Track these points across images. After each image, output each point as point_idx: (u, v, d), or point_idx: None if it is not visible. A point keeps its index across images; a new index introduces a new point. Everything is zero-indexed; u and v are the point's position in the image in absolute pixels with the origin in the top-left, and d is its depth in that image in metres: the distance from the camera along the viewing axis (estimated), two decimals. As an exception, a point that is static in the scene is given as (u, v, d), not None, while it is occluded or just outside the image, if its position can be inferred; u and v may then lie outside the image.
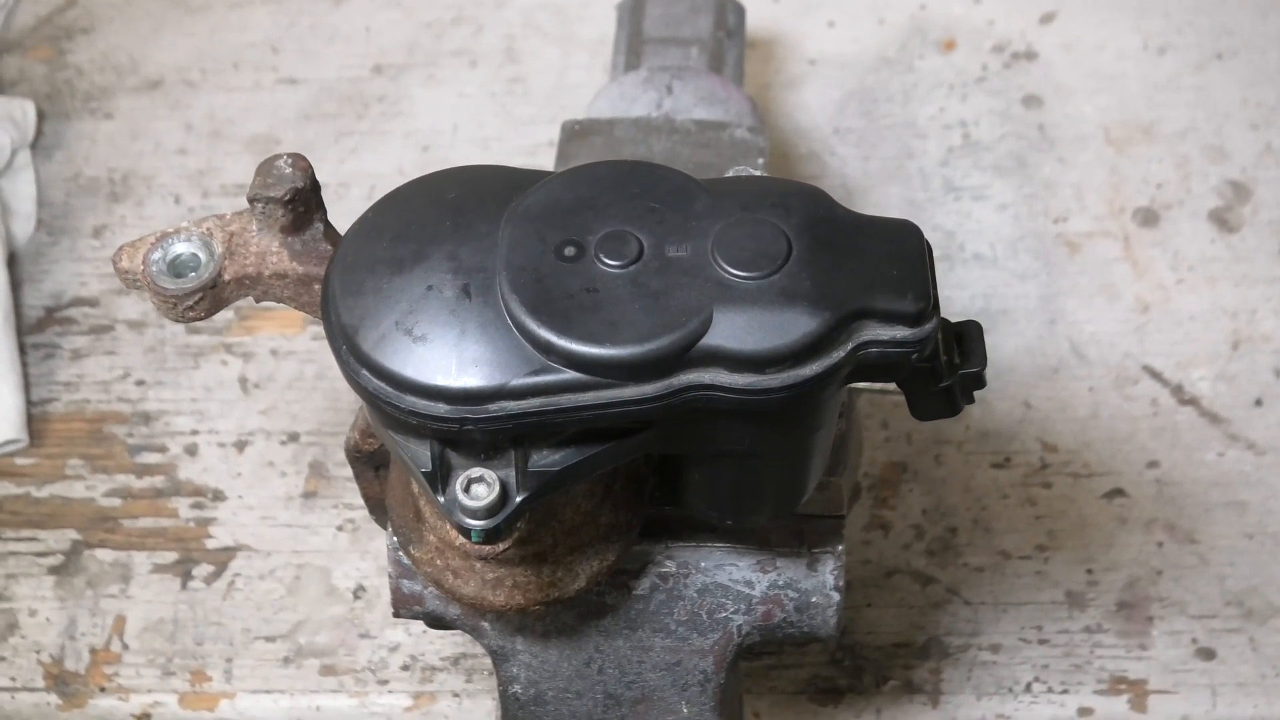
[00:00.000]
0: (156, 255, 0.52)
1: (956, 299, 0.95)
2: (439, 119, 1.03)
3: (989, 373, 0.90)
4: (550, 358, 0.42)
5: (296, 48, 1.08)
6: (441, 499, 0.44)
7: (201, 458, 0.88)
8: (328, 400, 0.90)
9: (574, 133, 0.72)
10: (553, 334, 0.42)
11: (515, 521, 0.44)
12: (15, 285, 0.94)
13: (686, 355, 0.42)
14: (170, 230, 0.53)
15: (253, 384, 0.90)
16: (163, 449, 0.88)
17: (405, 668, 0.80)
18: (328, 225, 0.53)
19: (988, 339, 0.92)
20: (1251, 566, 0.83)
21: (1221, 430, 0.88)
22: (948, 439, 0.87)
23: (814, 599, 0.57)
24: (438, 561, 0.52)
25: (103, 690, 0.80)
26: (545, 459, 0.44)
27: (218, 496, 0.86)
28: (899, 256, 0.44)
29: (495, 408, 0.42)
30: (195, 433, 0.88)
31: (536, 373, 0.42)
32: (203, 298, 0.52)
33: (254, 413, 0.89)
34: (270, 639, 0.81)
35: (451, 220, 0.44)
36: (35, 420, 0.89)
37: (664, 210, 0.44)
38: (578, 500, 0.51)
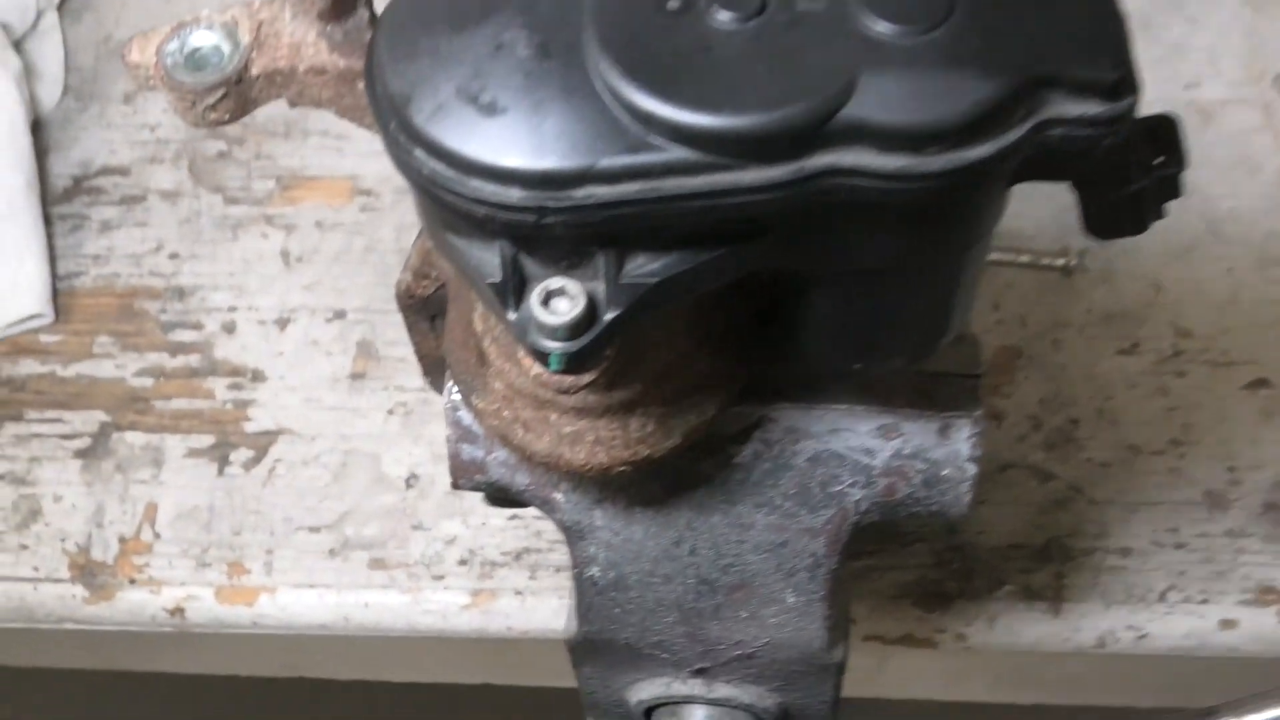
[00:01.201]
0: (173, 46, 0.43)
1: (1075, 170, 0.85)
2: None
3: (1117, 249, 0.81)
4: (651, 131, 0.33)
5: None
6: (513, 316, 0.35)
7: (240, 335, 0.80)
8: (377, 275, 0.81)
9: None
10: (655, 100, 0.33)
11: (604, 345, 0.36)
12: (41, 153, 0.87)
13: (824, 129, 0.33)
14: (189, 19, 0.44)
15: (295, 258, 0.82)
16: (198, 326, 0.80)
17: (463, 562, 0.72)
18: (374, 11, 0.45)
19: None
20: None
21: (1378, 315, 0.78)
22: (1067, 322, 0.78)
23: (945, 471, 0.48)
24: (505, 413, 0.44)
25: (132, 582, 0.73)
26: (641, 268, 0.35)
27: (257, 377, 0.78)
28: (1090, 13, 0.35)
29: (582, 194, 0.33)
30: (233, 309, 0.81)
31: (634, 150, 0.33)
32: (226, 95, 0.43)
33: (297, 288, 0.81)
34: (314, 530, 0.74)
35: None
36: (61, 295, 0.82)
37: (790, -57, 0.35)
38: (673, 339, 0.42)
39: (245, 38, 0.43)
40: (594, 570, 0.50)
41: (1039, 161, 0.35)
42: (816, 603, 0.50)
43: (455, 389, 0.48)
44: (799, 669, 0.52)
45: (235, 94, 0.43)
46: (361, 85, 0.43)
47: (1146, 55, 0.88)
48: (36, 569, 0.73)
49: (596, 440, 0.43)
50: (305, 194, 0.85)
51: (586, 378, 0.37)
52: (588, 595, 0.51)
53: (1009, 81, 0.33)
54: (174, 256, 0.83)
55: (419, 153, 0.34)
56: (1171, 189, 0.39)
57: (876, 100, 0.33)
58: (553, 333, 0.35)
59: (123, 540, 0.74)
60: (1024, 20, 0.34)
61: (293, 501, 0.74)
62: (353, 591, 0.72)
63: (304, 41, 0.44)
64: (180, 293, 0.82)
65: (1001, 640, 0.70)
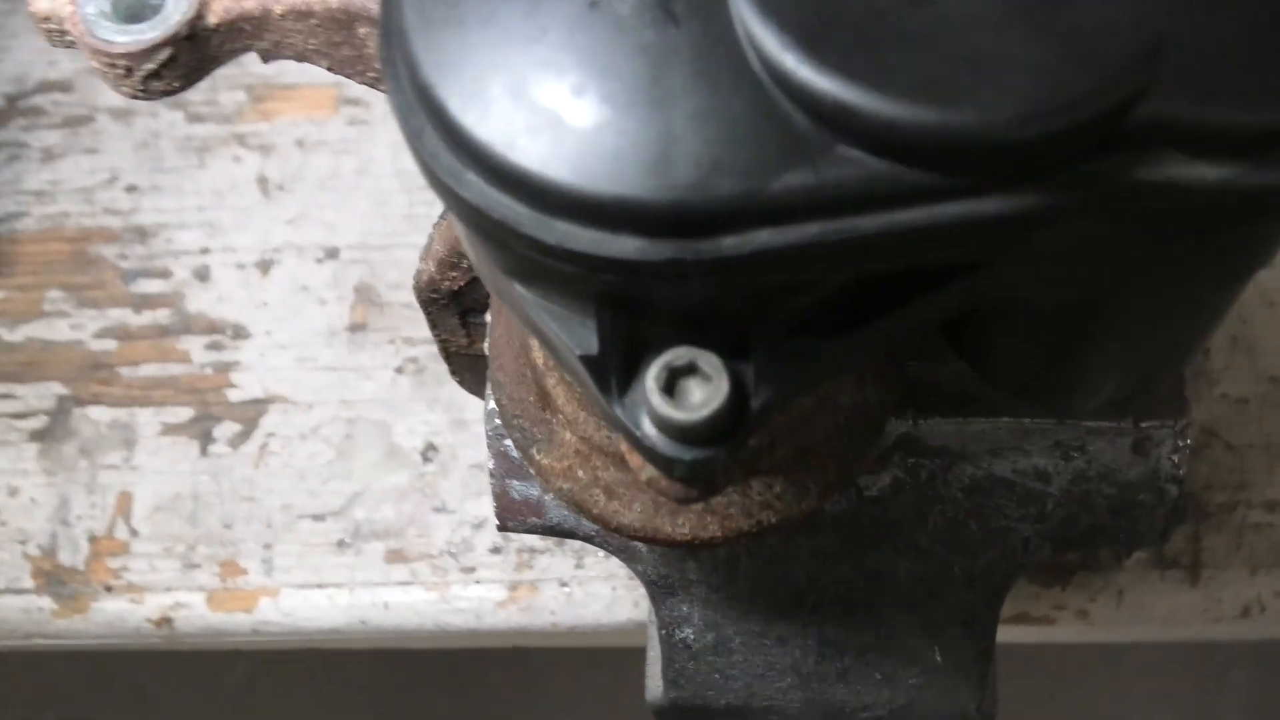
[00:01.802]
0: (91, -10, 0.31)
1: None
2: None
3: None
4: (845, 138, 0.21)
5: None
6: (619, 410, 0.24)
7: (215, 283, 0.68)
8: (373, 204, 0.69)
9: None
10: (853, 87, 0.21)
11: (747, 443, 0.24)
12: (-35, 68, 0.74)
13: (1117, 126, 0.21)
14: (111, -56, 0.32)
15: (275, 185, 0.70)
16: (165, 274, 0.68)
17: (496, 550, 0.62)
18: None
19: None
20: None
21: None
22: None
23: (1141, 496, 0.37)
24: (580, 473, 0.33)
25: (109, 589, 0.62)
26: (810, 332, 0.23)
27: (239, 333, 0.67)
28: None
29: (734, 241, 0.22)
30: (206, 251, 0.69)
31: (816, 167, 0.21)
32: (174, 56, 0.31)
33: (279, 223, 0.69)
34: (319, 517, 0.63)
35: None
36: (1, 242, 0.69)
37: None
38: (813, 375, 0.31)
39: (193, -27, 0.31)
40: (687, 632, 0.39)
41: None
42: (971, 661, 0.39)
43: (497, 406, 0.37)
44: (941, 727, 0.42)
45: (186, 54, 0.31)
46: (363, 31, 0.31)
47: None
48: (-5, 578, 0.62)
49: (706, 509, 0.32)
50: (281, 107, 0.72)
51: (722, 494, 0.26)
52: (679, 660, 0.40)
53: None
54: (132, 189, 0.70)
55: (472, 177, 0.22)
56: None
57: (1192, 78, 0.21)
58: (681, 432, 0.23)
59: (94, 539, 0.63)
60: None
61: (291, 485, 0.63)
62: (368, 590, 0.62)
63: (276, -25, 0.31)
64: (142, 233, 0.69)
65: (1130, 617, 0.60)
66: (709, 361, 0.23)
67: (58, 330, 0.68)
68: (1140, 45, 0.21)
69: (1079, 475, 0.37)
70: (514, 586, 0.61)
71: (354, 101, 0.72)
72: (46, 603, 0.62)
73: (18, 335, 0.68)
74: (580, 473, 0.33)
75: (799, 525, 0.38)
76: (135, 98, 0.32)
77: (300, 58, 0.33)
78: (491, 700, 1.10)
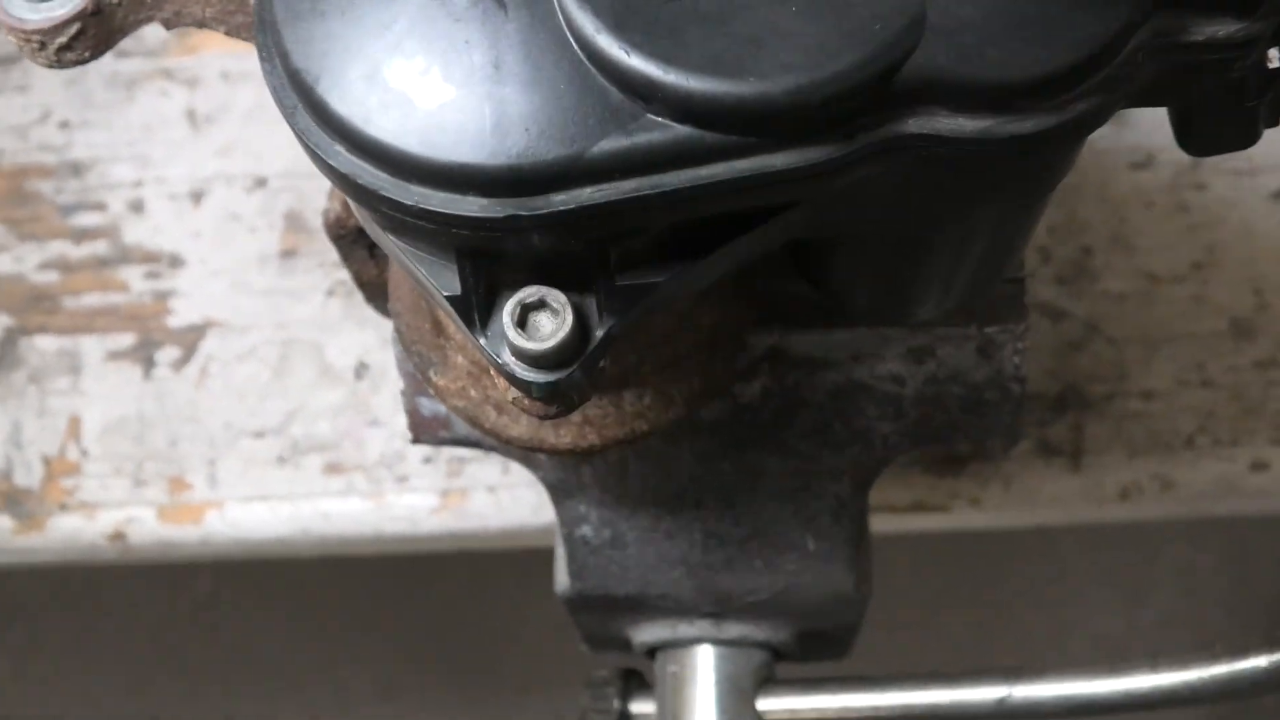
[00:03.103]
0: (0, -37, 0.34)
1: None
2: None
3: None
4: (651, 107, 0.25)
5: None
6: (483, 340, 0.27)
7: (150, 215, 0.71)
8: (299, 132, 0.72)
9: None
10: (652, 63, 0.25)
11: (597, 366, 0.28)
12: (-106, 8, 0.75)
13: (883, 90, 0.25)
14: (18, -82, 0.35)
15: (203, 118, 0.72)
16: (101, 206, 0.71)
17: (427, 460, 0.66)
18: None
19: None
20: None
21: None
22: (1075, 135, 0.70)
23: (988, 394, 0.41)
24: (472, 392, 0.36)
25: (63, 508, 0.66)
26: (641, 267, 0.27)
27: (175, 262, 0.70)
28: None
29: (561, 198, 0.25)
30: (139, 184, 0.71)
31: (628, 132, 0.25)
32: (82, 29, 0.34)
33: (209, 155, 0.72)
34: (259, 434, 0.66)
35: None
36: (-61, 179, 0.72)
37: None
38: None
39: (96, -55, 0.34)
40: (585, 529, 0.44)
41: (1147, 90, 0.27)
42: (841, 546, 0.44)
43: (397, 333, 0.41)
44: (822, 608, 0.47)
45: (94, 27, 0.34)
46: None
47: None
48: (-46, 501, 0.66)
49: (585, 421, 0.36)
50: (205, 40, 0.74)
51: (578, 411, 0.30)
52: (580, 555, 0.44)
53: (1127, 6, 0.25)
54: (64, 125, 0.73)
55: (340, 149, 0.26)
56: (1289, 94, 0.31)
57: (952, 45, 0.25)
58: (534, 359, 0.27)
59: (47, 461, 0.66)
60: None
61: (231, 404, 0.67)
62: (308, 500, 0.65)
63: (175, -56, 0.34)
64: (76, 168, 0.72)
65: (1018, 502, 0.65)
66: (555, 298, 0.27)
67: (1, 264, 0.70)
68: (902, 18, 0.25)
69: (930, 378, 0.42)
70: (445, 494, 0.65)
71: (277, 32, 0.75)
72: (5, 521, 0.66)
73: (-39, 270, 0.70)
74: (473, 391, 0.37)
75: (681, 431, 0.42)
76: (50, 67, 0.35)
77: (200, 25, 0.36)
78: (440, 604, 1.15)
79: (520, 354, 0.27)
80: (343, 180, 0.26)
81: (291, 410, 0.67)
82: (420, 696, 1.22)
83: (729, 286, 0.36)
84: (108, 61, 0.75)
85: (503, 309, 0.27)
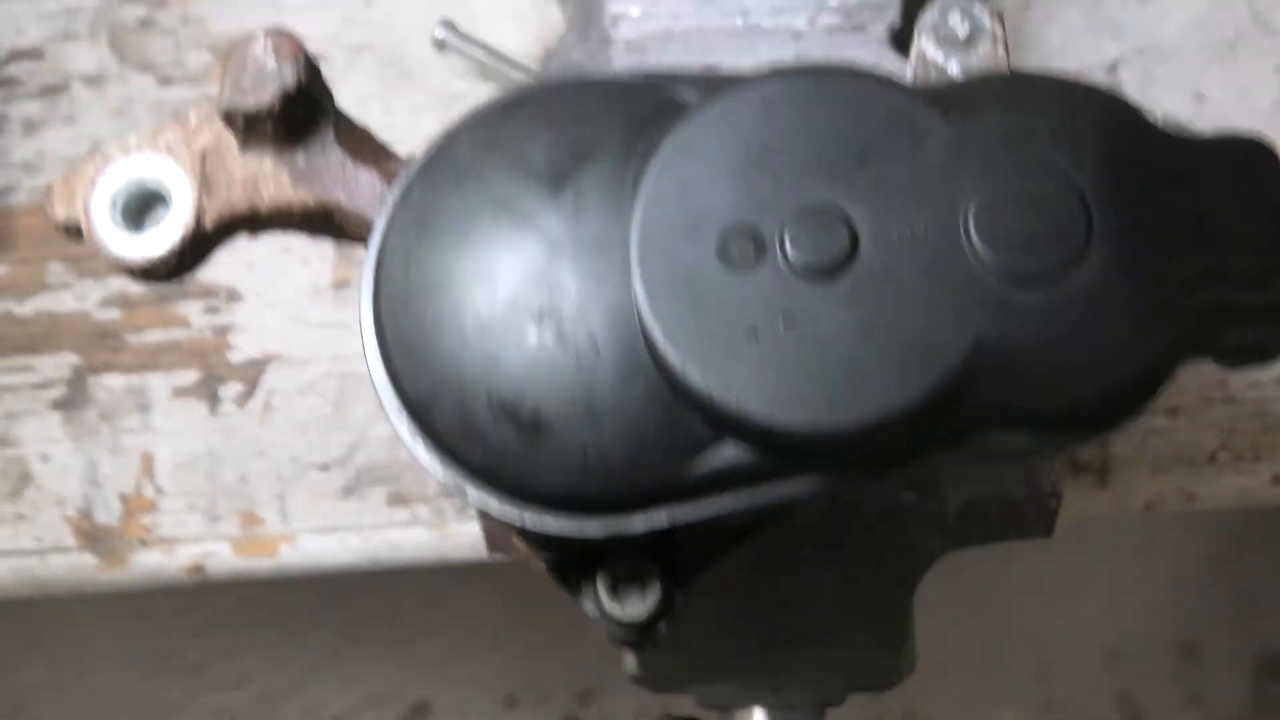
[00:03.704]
0: (100, 202, 0.36)
1: (1101, -44, 0.76)
2: None
3: (1153, 55, 0.73)
4: (730, 437, 0.28)
5: None
6: (582, 598, 0.31)
7: (205, 249, 0.73)
8: (344, 162, 0.73)
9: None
10: (734, 399, 0.27)
11: (674, 616, 0.31)
12: (-63, 37, 0.77)
13: (940, 420, 0.27)
14: (114, 151, 0.37)
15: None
16: (157, 241, 0.73)
17: (485, 490, 0.69)
18: (340, 122, 0.37)
19: (1148, 10, 0.75)
20: None
21: None
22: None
23: (1025, 509, 0.45)
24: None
25: (143, 543, 0.70)
26: (718, 542, 0.30)
27: (232, 296, 0.72)
28: (1253, 207, 0.28)
29: (649, 517, 0.28)
30: (192, 217, 0.73)
31: (711, 457, 0.28)
32: (179, 263, 0.36)
33: (258, 186, 0.73)
34: (324, 467, 0.70)
35: (546, 206, 0.28)
36: (-2, 216, 0.74)
37: (881, 160, 0.28)
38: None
39: (189, 183, 0.36)
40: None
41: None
42: (890, 639, 0.47)
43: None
44: (871, 682, 0.50)
45: (188, 255, 0.36)
46: (338, 216, 0.36)
47: None
48: (39, 539, 0.70)
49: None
50: (246, 66, 0.76)
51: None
52: (647, 650, 0.48)
53: (1167, 334, 0.27)
54: (114, 157, 0.75)
55: (451, 469, 0.29)
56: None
57: (1005, 376, 0.27)
58: (626, 623, 0.30)
59: (124, 498, 0.70)
60: (1176, 234, 0.28)
61: (295, 438, 0.70)
62: (375, 532, 0.69)
63: (260, 174, 0.36)
64: (129, 202, 0.74)
65: (1048, 516, 0.68)
66: (646, 569, 0.30)
67: (64, 302, 0.73)
68: (956, 353, 0.27)
69: (972, 498, 0.45)
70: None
71: (316, 56, 0.76)
72: (90, 559, 0.70)
73: (26, 309, 0.73)
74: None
75: (742, 549, 0.45)
76: (143, 282, 0.38)
77: (284, 232, 0.38)
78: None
79: (614, 620, 0.30)
80: (457, 492, 0.29)
81: (353, 443, 0.70)
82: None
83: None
84: (152, 89, 0.77)
85: (596, 580, 0.30)
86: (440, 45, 0.67)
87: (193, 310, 0.72)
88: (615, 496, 0.28)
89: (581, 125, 0.29)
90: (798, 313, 0.27)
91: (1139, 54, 0.73)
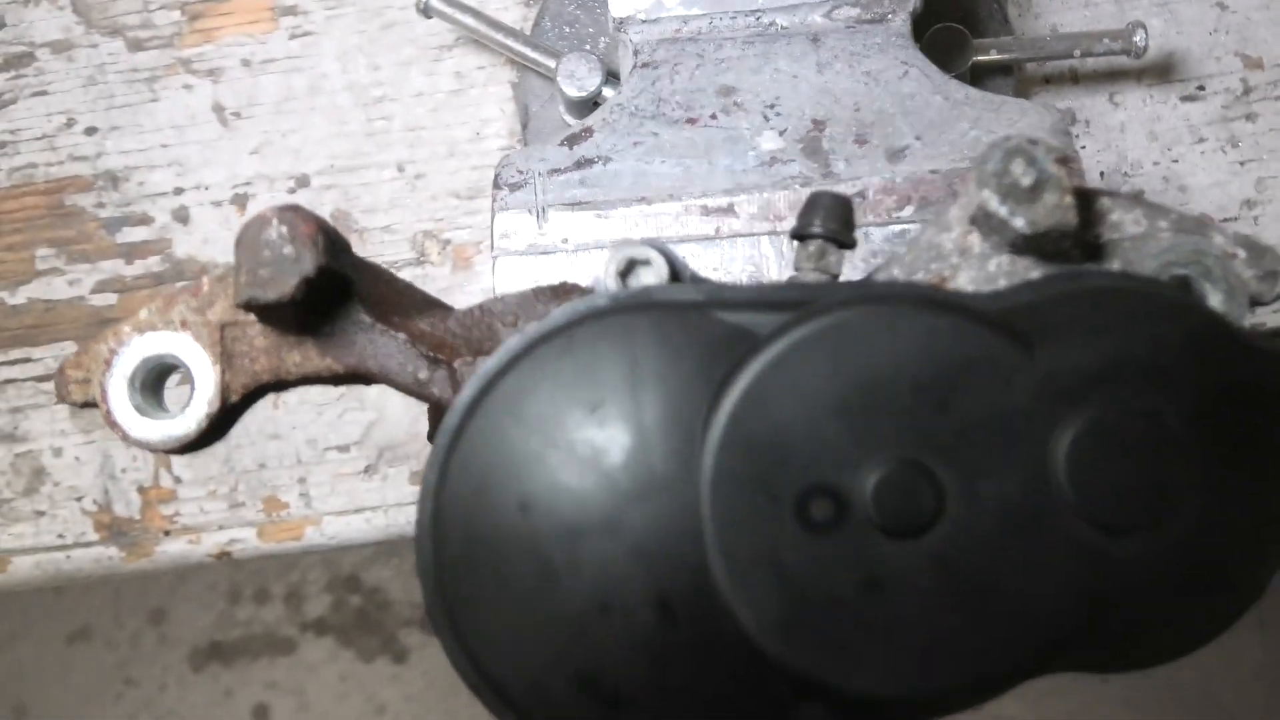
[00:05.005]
0: (116, 385, 0.34)
1: None
2: None
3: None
4: (819, 697, 0.27)
5: None
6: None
7: (197, 225, 0.71)
8: (333, 123, 0.71)
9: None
10: (820, 670, 0.26)
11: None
12: (-112, 5, 0.73)
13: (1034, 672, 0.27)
14: (126, 329, 0.35)
15: (231, 113, 0.71)
16: (147, 220, 0.71)
17: (507, 462, 0.68)
18: (364, 280, 0.35)
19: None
20: None
21: None
22: (1123, 70, 0.69)
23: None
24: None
25: (167, 534, 0.69)
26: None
27: (231, 273, 0.70)
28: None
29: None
30: (180, 191, 0.71)
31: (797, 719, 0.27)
32: (200, 440, 0.35)
33: (245, 154, 0.71)
34: (343, 448, 0.69)
35: (609, 455, 0.26)
36: (-23, 199, 0.71)
37: (964, 406, 0.26)
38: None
39: (209, 359, 0.34)
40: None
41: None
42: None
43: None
44: None
45: (216, 429, 0.35)
46: (368, 379, 0.34)
47: None
48: (61, 535, 0.69)
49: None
50: (220, 23, 0.72)
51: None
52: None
53: (1265, 581, 0.26)
54: (91, 131, 0.72)
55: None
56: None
57: (1107, 636, 0.26)
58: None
59: (142, 490, 0.69)
60: (1268, 476, 0.26)
61: (311, 420, 0.69)
62: (399, 510, 0.69)
63: (283, 343, 0.34)
64: (113, 178, 0.71)
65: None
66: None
67: (57, 288, 0.71)
68: (1052, 619, 0.26)
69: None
70: (528, 491, 0.68)
71: (291, 10, 0.72)
72: (114, 551, 0.69)
73: (19, 298, 0.71)
74: None
75: None
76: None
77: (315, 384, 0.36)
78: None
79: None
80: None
81: (370, 421, 0.69)
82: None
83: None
84: (124, 55, 0.73)
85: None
86: (425, 11, 0.63)
87: (191, 290, 0.70)
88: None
89: (646, 374, 0.27)
90: (883, 577, 0.26)
91: (1159, -39, 0.69)
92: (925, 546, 0.26)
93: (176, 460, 0.69)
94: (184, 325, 0.34)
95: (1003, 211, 0.30)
